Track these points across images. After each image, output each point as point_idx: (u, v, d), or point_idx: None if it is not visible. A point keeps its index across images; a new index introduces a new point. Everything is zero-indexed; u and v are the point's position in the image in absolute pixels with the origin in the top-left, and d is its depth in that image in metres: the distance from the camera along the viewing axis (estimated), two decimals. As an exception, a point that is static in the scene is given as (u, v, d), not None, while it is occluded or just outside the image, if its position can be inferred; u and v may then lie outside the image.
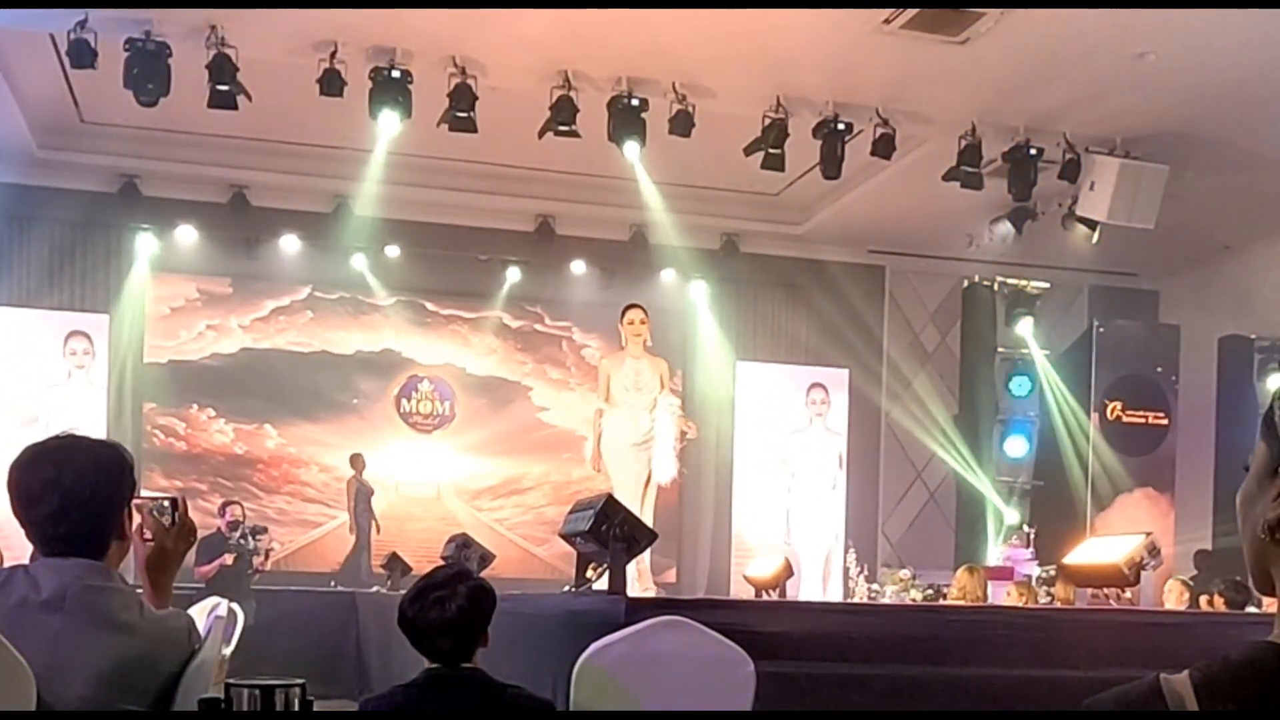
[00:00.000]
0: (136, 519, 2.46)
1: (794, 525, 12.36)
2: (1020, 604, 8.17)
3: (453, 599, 2.97)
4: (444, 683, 2.96)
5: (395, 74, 8.74)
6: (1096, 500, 11.97)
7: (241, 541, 9.95)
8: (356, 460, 12.19)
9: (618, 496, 7.26)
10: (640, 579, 7.22)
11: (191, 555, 10.46)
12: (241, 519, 10.20)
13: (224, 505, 10.45)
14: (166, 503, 2.50)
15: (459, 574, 3.10)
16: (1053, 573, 9.44)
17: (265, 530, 10.39)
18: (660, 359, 8.14)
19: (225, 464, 12.41)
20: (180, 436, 12.34)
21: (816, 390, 12.68)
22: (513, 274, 12.65)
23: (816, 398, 12.66)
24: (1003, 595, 9.09)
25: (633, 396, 7.79)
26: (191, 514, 2.55)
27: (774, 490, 12.52)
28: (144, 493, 2.58)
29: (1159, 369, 12.32)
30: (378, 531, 11.85)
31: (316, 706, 2.21)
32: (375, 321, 12.76)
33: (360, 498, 12.08)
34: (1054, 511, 12.32)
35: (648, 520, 7.36)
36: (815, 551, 12.15)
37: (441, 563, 9.26)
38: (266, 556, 10.30)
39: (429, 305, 12.93)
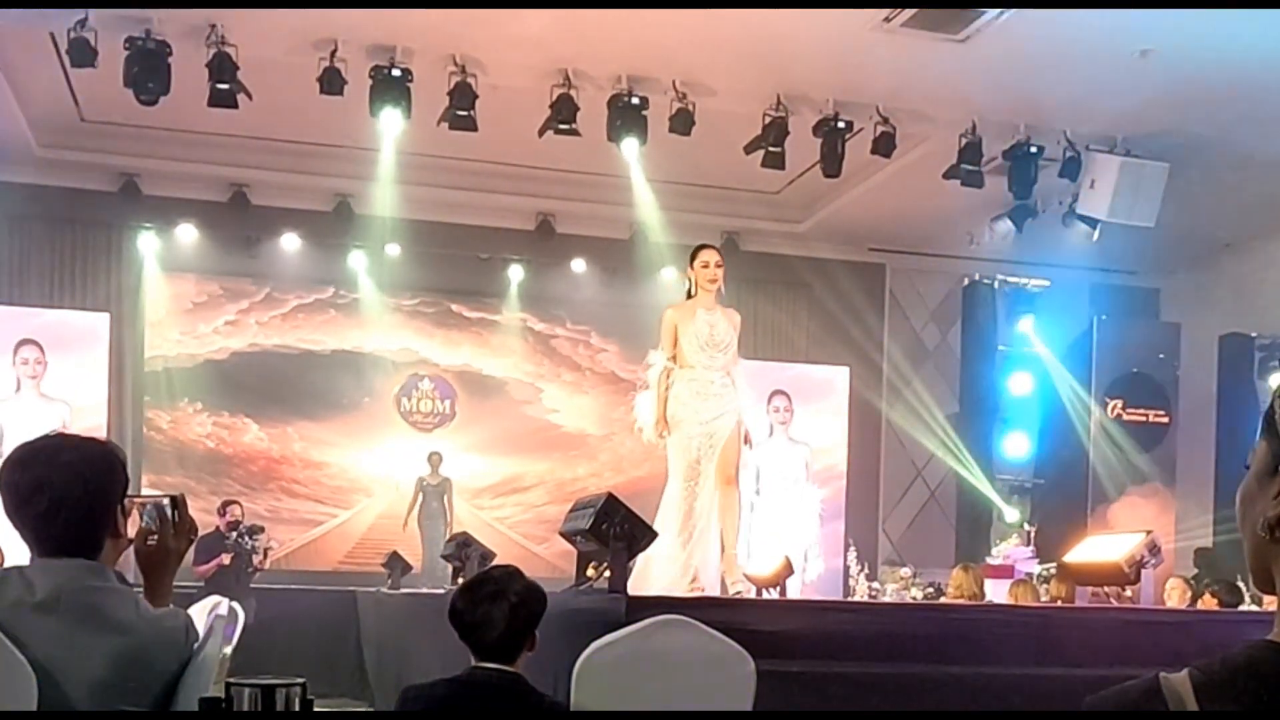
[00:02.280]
0: (134, 517, 2.45)
1: (755, 542, 10.97)
2: (1020, 602, 8.16)
3: (504, 597, 2.98)
4: (485, 683, 2.98)
5: (395, 72, 8.75)
6: (1097, 498, 11.97)
7: (239, 541, 9.96)
8: (432, 458, 12.27)
9: (681, 471, 6.45)
10: (729, 572, 6.48)
11: (190, 554, 10.44)
12: (241, 518, 10.22)
13: (224, 505, 10.45)
14: (166, 501, 2.48)
15: (513, 573, 3.10)
16: (1053, 571, 9.44)
17: (262, 530, 10.38)
18: (733, 311, 6.83)
19: (217, 461, 12.41)
20: (180, 436, 12.34)
21: (779, 398, 11.84)
22: (514, 272, 12.69)
23: (779, 405, 11.81)
24: (1003, 593, 9.09)
25: (707, 356, 6.49)
26: (198, 515, 2.53)
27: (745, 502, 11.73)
28: (145, 491, 2.57)
29: (1160, 367, 12.32)
30: (446, 531, 11.67)
31: (317, 706, 2.21)
32: (374, 320, 12.76)
33: (432, 495, 12.15)
34: (1054, 509, 12.32)
35: (732, 495, 6.59)
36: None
37: (444, 561, 9.27)
38: (265, 556, 10.29)
39: (429, 304, 12.93)
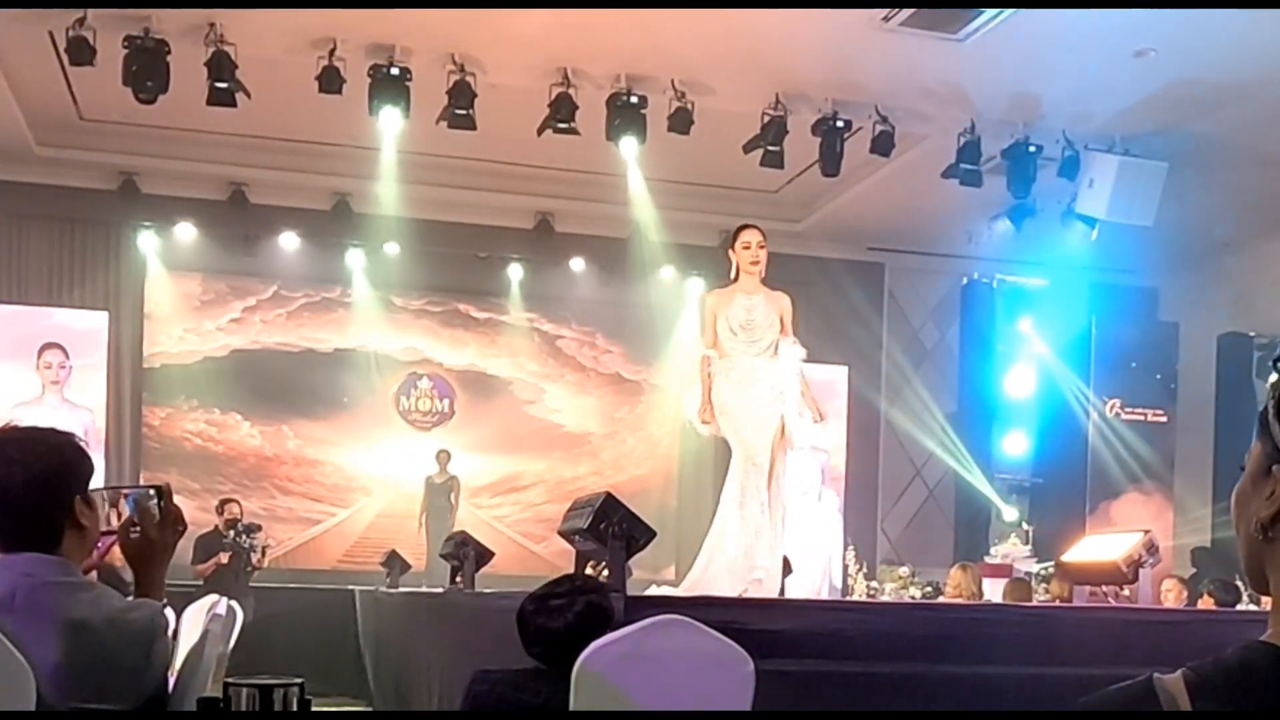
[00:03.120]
0: (122, 509, 2.41)
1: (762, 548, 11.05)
2: (1018, 601, 8.17)
3: (568, 610, 3.04)
4: (549, 676, 3.03)
5: (394, 71, 8.75)
6: (1095, 497, 11.98)
7: (236, 539, 9.90)
8: (440, 456, 12.29)
9: (738, 461, 6.06)
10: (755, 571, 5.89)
11: (189, 553, 10.31)
12: (239, 516, 10.16)
13: (222, 503, 10.39)
14: (152, 491, 2.43)
15: (582, 587, 3.16)
16: (1051, 570, 9.45)
17: (260, 528, 10.30)
18: (781, 294, 6.40)
19: (218, 461, 12.42)
20: (179, 434, 12.34)
21: None
22: (513, 271, 12.70)
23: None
24: (1000, 592, 9.10)
25: (742, 341, 6.15)
26: (193, 512, 2.49)
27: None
28: (143, 484, 2.51)
29: (1158, 366, 12.33)
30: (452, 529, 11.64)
31: (315, 706, 2.21)
32: (372, 318, 12.76)
33: (439, 493, 12.13)
34: (1052, 509, 12.33)
35: (781, 489, 6.15)
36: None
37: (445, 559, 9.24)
38: (263, 554, 10.22)
39: (427, 302, 12.94)
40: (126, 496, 2.43)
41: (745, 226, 6.42)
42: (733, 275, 6.31)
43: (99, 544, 2.45)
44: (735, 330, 6.17)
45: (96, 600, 2.25)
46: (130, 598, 2.40)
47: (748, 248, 6.22)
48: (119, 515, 2.41)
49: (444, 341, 13.03)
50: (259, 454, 12.57)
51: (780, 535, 6.16)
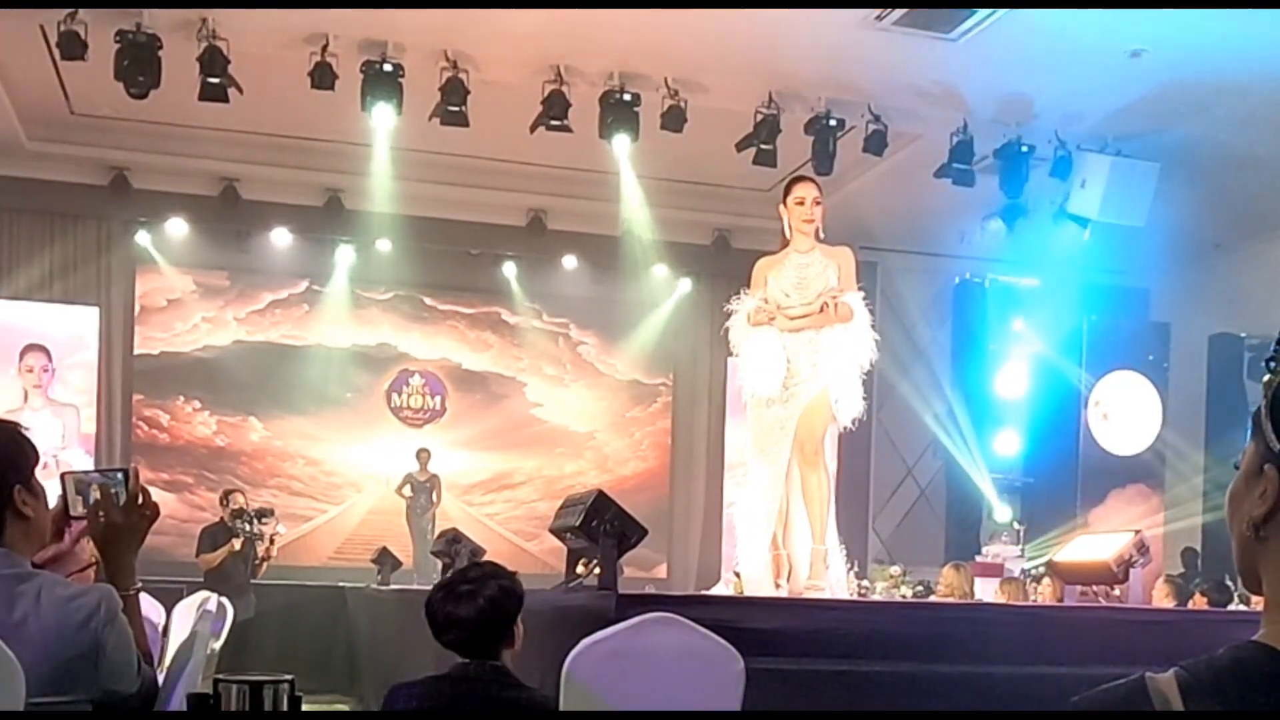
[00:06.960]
0: (83, 497, 2.36)
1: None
2: (1009, 601, 8.18)
3: (477, 595, 2.97)
4: (469, 678, 2.97)
5: (387, 68, 8.74)
6: (1086, 497, 11.99)
7: (246, 527, 9.58)
8: (421, 455, 12.27)
9: (763, 451, 5.59)
10: (813, 569, 5.44)
11: (192, 547, 10.01)
12: (245, 506, 9.87)
13: (225, 494, 9.99)
14: (120, 475, 2.38)
15: (491, 572, 3.09)
16: (1042, 570, 9.46)
17: (271, 513, 9.92)
18: (843, 247, 5.64)
19: (214, 457, 12.38)
20: (169, 430, 12.31)
21: None
22: (505, 269, 12.69)
23: None
24: (992, 592, 9.11)
25: (796, 304, 5.45)
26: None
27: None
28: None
29: (1149, 366, 12.35)
30: (433, 526, 11.50)
31: (305, 703, 2.20)
32: (365, 315, 12.76)
33: (421, 491, 12.11)
34: (1044, 508, 12.35)
35: (814, 478, 5.59)
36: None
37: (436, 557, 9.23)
38: (272, 542, 9.81)
39: (420, 299, 12.93)
40: (82, 483, 2.39)
41: (799, 179, 5.79)
42: (785, 234, 5.61)
43: (68, 530, 2.42)
44: (787, 292, 5.49)
45: (39, 589, 2.21)
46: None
47: (801, 203, 5.50)
48: (85, 502, 2.37)
49: (437, 338, 13.02)
50: (257, 451, 12.54)
51: (823, 533, 5.57)
